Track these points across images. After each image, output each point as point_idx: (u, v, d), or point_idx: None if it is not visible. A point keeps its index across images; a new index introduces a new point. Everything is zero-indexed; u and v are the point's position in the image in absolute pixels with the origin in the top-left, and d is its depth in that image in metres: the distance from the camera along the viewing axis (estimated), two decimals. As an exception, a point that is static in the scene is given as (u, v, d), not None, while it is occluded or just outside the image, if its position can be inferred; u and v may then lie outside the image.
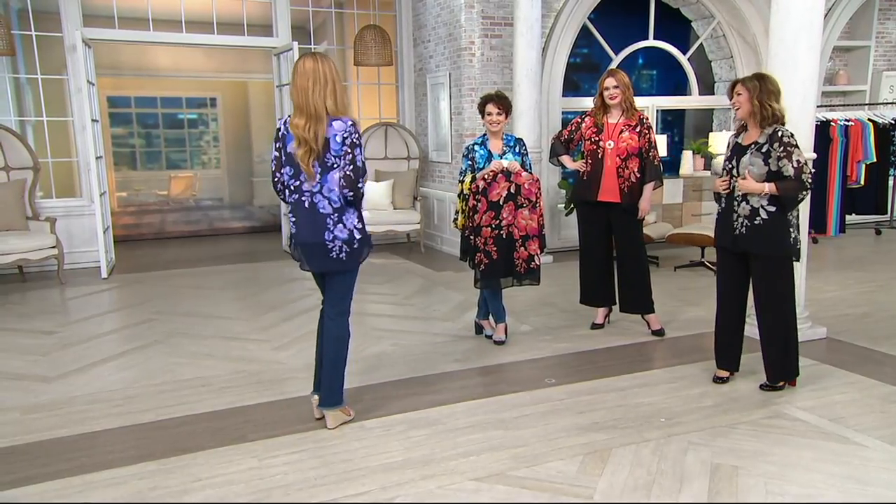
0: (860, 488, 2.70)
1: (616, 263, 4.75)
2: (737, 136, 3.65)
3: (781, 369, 3.63)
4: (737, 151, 3.59)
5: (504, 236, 4.28)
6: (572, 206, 6.39)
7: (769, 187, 3.42)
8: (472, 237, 4.33)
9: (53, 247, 6.51)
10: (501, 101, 4.31)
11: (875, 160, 7.51)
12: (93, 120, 6.74)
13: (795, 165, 3.39)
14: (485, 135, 4.46)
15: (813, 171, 4.33)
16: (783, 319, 3.59)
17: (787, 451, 3.01)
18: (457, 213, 4.52)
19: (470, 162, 4.40)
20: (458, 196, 4.47)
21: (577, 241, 4.92)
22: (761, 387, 3.69)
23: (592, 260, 4.75)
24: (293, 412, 3.50)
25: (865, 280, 6.20)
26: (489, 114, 4.31)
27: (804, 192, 3.43)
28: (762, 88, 3.43)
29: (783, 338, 3.60)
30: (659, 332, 4.67)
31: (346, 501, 2.67)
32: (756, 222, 3.50)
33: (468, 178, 4.37)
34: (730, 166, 3.62)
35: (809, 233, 5.35)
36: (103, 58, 9.20)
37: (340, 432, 3.27)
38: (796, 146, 3.43)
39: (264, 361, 4.30)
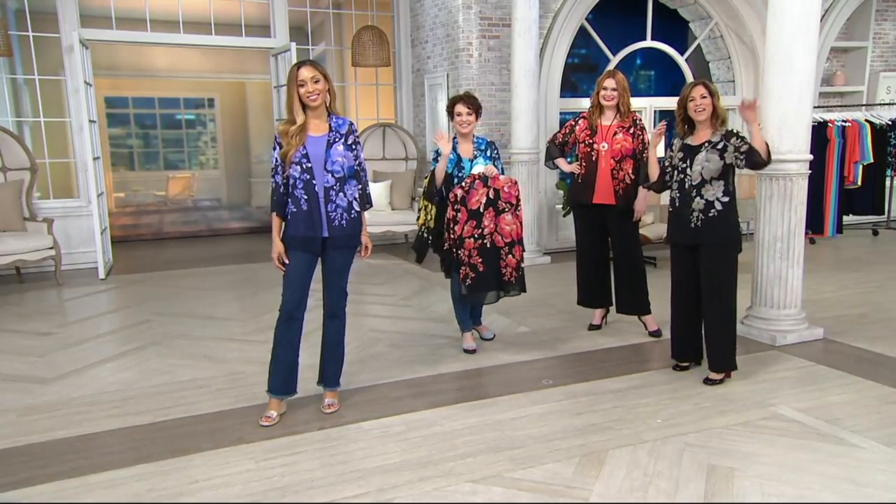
0: (856, 490, 2.71)
1: (613, 265, 4.76)
2: (683, 138, 3.82)
3: (724, 360, 3.77)
4: (689, 152, 3.75)
5: (489, 245, 4.11)
6: (569, 207, 6.39)
7: (758, 134, 3.60)
8: (455, 250, 4.15)
9: (51, 248, 6.51)
10: (470, 102, 4.21)
11: (872, 161, 7.53)
12: (90, 120, 6.73)
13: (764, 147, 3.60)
14: (455, 137, 4.33)
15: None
16: (726, 310, 3.75)
17: (783, 452, 3.02)
18: (420, 210, 4.44)
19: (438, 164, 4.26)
20: (423, 194, 4.35)
21: (574, 242, 4.92)
22: (705, 381, 3.79)
23: (589, 261, 4.76)
24: (291, 414, 3.50)
25: (863, 281, 6.21)
26: (458, 114, 4.19)
27: (768, 161, 3.64)
28: (718, 94, 3.71)
29: (727, 328, 3.75)
30: (656, 333, 4.68)
31: (344, 503, 2.68)
32: (711, 214, 3.68)
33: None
34: (683, 166, 3.76)
35: (807, 233, 5.37)
36: (101, 58, 9.21)
37: (338, 433, 3.27)
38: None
39: (262, 363, 4.26)
